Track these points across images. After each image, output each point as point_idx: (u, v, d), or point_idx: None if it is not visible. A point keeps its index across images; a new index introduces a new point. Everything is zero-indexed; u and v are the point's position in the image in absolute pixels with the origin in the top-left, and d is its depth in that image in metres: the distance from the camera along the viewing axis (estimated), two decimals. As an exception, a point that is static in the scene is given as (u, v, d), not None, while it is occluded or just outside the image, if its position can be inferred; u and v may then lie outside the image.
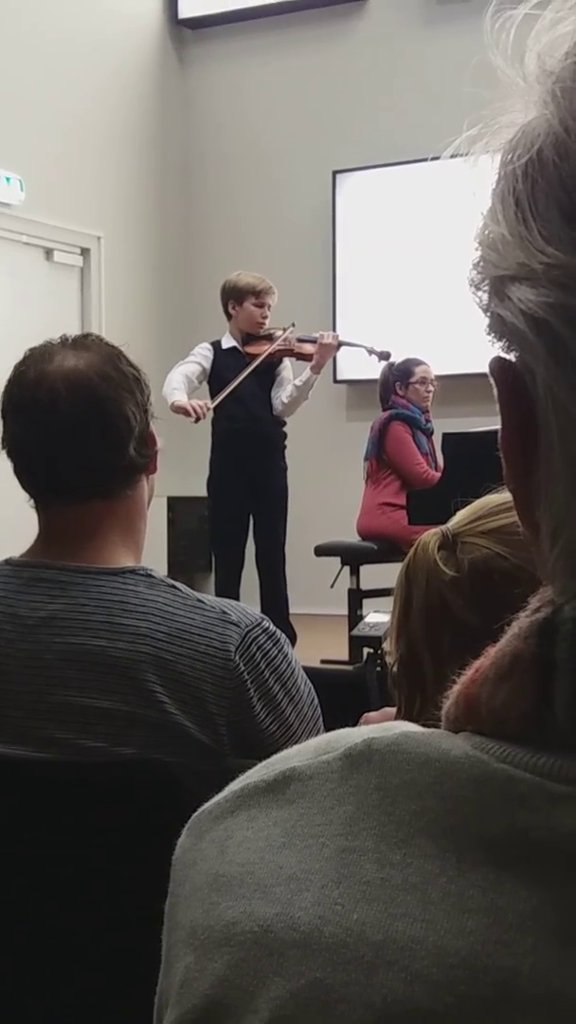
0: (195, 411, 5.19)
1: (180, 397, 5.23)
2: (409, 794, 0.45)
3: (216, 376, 5.39)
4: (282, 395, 5.37)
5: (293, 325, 5.47)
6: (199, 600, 1.45)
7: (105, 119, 7.55)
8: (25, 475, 1.50)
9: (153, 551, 6.90)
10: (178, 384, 5.27)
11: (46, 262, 7.30)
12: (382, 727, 0.49)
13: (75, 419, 1.44)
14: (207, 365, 5.41)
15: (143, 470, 1.53)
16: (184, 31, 8.34)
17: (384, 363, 5.80)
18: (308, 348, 5.42)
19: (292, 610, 5.54)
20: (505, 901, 0.41)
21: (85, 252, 7.52)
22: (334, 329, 6.69)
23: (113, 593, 1.42)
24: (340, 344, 5.56)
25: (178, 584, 1.47)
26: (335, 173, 7.68)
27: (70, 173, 7.20)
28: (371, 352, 5.79)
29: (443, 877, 0.42)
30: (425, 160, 6.58)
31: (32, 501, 1.51)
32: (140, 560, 1.53)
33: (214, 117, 8.23)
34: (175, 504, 7.44)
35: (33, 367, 1.46)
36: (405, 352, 5.88)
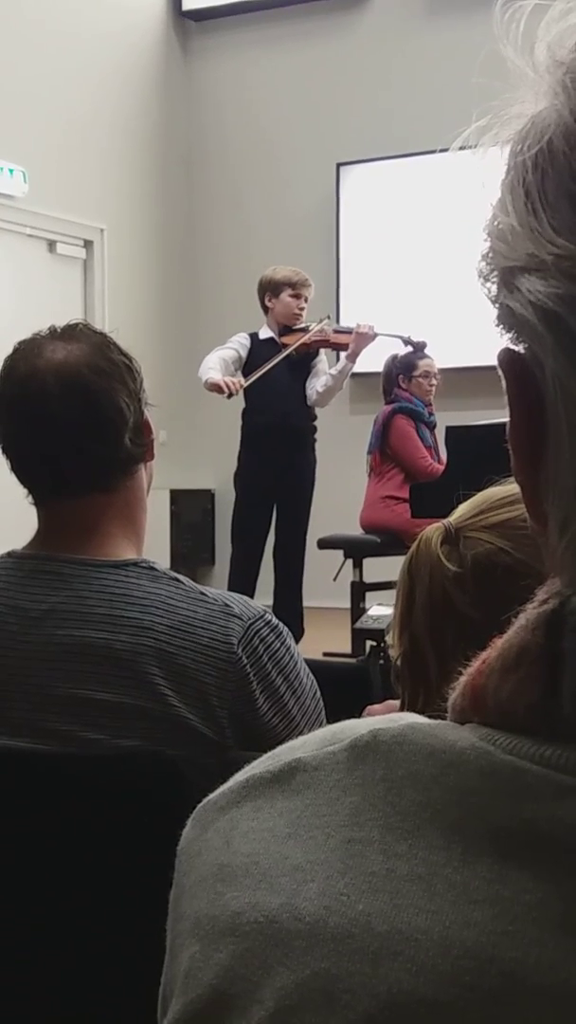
0: (228, 387, 5.22)
1: (214, 375, 5.27)
2: (415, 785, 0.45)
3: (251, 365, 5.41)
4: (317, 384, 5.41)
5: (328, 317, 5.49)
6: (202, 593, 1.45)
7: (109, 111, 7.54)
8: (21, 472, 1.49)
9: (156, 544, 6.91)
10: (214, 364, 5.32)
11: (49, 254, 7.29)
12: (388, 718, 0.49)
13: (68, 414, 1.43)
14: (243, 353, 5.44)
15: (140, 459, 1.52)
16: (188, 23, 8.33)
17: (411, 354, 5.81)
18: (344, 338, 5.46)
19: (295, 603, 5.54)
20: (511, 892, 0.41)
21: (88, 244, 7.51)
22: (337, 321, 6.68)
23: (115, 586, 1.42)
24: (376, 335, 5.57)
25: (181, 577, 1.47)
26: (339, 165, 7.67)
27: (73, 165, 7.20)
28: (407, 342, 5.80)
29: (448, 868, 0.42)
30: (429, 152, 6.58)
31: (30, 497, 1.51)
32: (141, 551, 1.52)
33: (218, 109, 8.22)
34: (178, 497, 7.45)
35: (23, 362, 1.45)
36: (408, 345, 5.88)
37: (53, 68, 7.06)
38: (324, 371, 5.45)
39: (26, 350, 1.46)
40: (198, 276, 8.08)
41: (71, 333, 1.48)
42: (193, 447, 6.83)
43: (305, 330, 5.42)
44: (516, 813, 0.42)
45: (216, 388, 5.23)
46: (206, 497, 7.80)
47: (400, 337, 5.79)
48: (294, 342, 5.37)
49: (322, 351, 5.51)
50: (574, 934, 0.40)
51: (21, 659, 1.40)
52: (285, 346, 5.37)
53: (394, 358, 5.82)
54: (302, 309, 5.39)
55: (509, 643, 0.46)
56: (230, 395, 5.26)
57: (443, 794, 0.44)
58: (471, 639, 0.55)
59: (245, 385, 5.28)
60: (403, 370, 5.77)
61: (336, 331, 5.51)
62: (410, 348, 5.78)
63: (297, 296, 5.36)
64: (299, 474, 5.42)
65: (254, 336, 5.47)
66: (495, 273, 0.46)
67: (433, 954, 0.41)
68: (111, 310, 7.50)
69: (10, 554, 1.49)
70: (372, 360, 6.02)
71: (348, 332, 5.48)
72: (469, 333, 5.66)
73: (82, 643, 1.38)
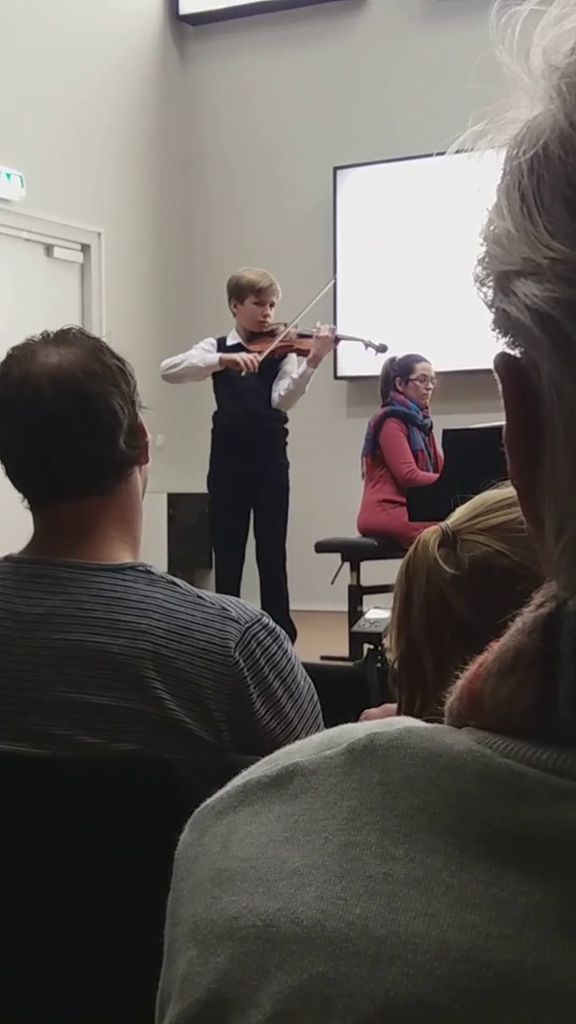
0: (247, 364, 5.20)
1: (220, 354, 5.25)
2: (412, 789, 0.45)
3: (219, 372, 5.39)
4: (280, 388, 5.38)
5: (334, 282, 5.47)
6: (199, 596, 1.45)
7: (106, 115, 7.55)
8: (16, 476, 1.49)
9: (153, 548, 6.91)
10: (202, 352, 5.29)
11: (46, 258, 7.30)
12: (385, 722, 0.49)
13: (62, 418, 1.43)
14: None
15: (135, 462, 1.52)
16: (185, 27, 8.34)
17: (382, 356, 5.81)
18: (307, 343, 5.44)
19: (292, 606, 5.54)
20: (508, 895, 0.41)
21: (85, 248, 7.51)
22: (335, 325, 6.68)
23: (112, 589, 1.42)
24: (338, 338, 5.55)
25: (177, 580, 1.47)
26: (336, 169, 7.68)
27: (71, 169, 7.20)
28: (368, 345, 5.79)
29: (446, 871, 0.42)
30: (426, 156, 6.58)
31: (26, 501, 1.51)
32: (138, 553, 1.52)
33: (215, 113, 8.22)
34: (175, 501, 7.45)
35: (16, 367, 1.45)
36: (406, 348, 5.89)
37: (50, 72, 7.07)
38: (289, 374, 5.43)
39: (20, 355, 1.47)
40: (195, 280, 8.08)
41: (65, 338, 1.48)
42: (190, 451, 6.82)
43: (272, 333, 5.40)
44: (513, 816, 0.42)
45: (233, 364, 5.20)
46: (203, 501, 7.76)
47: (361, 340, 5.78)
48: (261, 347, 5.35)
49: (290, 354, 5.49)
50: (571, 937, 0.40)
51: (18, 663, 1.40)
52: (251, 351, 5.35)
53: (392, 361, 5.83)
54: (266, 316, 5.36)
55: (506, 646, 0.46)
56: (247, 372, 5.23)
57: (440, 797, 0.44)
58: (468, 642, 0.55)
59: (260, 360, 5.25)
60: (400, 373, 5.78)
61: (300, 336, 5.48)
62: (371, 351, 5.78)
63: (261, 303, 5.32)
64: (272, 476, 5.41)
65: (221, 341, 5.46)
66: (491, 277, 0.46)
67: (430, 957, 0.41)
68: (108, 314, 7.50)
69: (7, 558, 1.50)
70: (368, 364, 6.03)
71: (310, 336, 5.47)
72: (467, 336, 5.66)
73: (79, 647, 1.38)
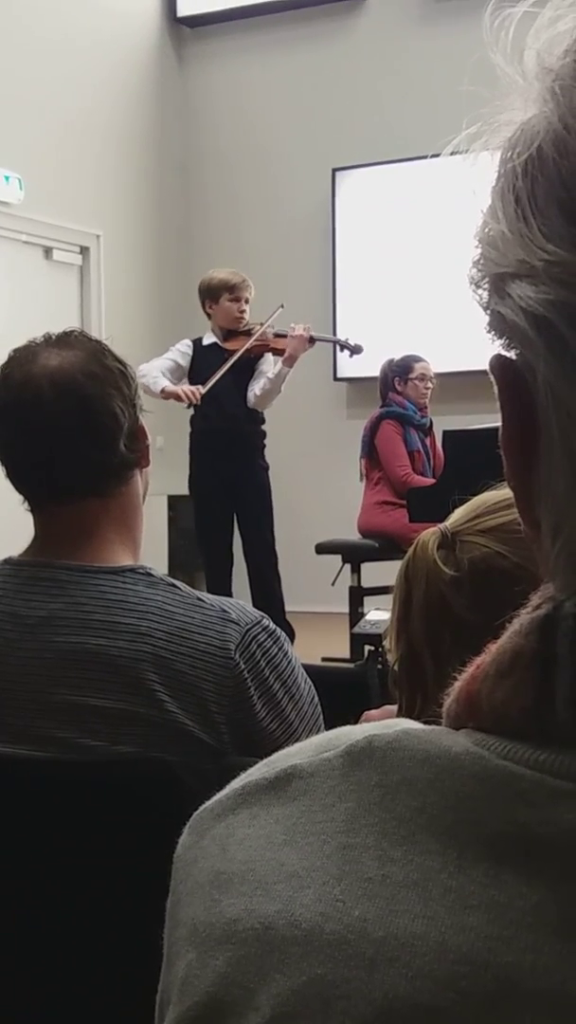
0: (187, 396, 5.21)
1: (166, 383, 5.25)
2: (410, 791, 0.45)
3: (196, 372, 5.39)
4: (256, 387, 5.38)
5: (282, 307, 5.47)
6: (199, 599, 1.45)
7: (104, 117, 7.55)
8: (17, 478, 1.49)
9: (154, 550, 6.91)
10: (157, 374, 5.27)
11: (45, 261, 7.30)
12: (383, 724, 0.49)
13: (63, 420, 1.43)
14: (184, 362, 5.42)
15: (135, 465, 1.52)
16: (183, 29, 8.34)
17: (357, 357, 5.81)
18: (282, 342, 5.43)
19: (293, 608, 5.54)
20: (506, 897, 0.41)
21: (84, 251, 7.51)
22: (334, 327, 6.69)
23: (113, 592, 1.42)
24: (312, 338, 5.54)
25: (177, 583, 1.47)
26: (334, 171, 7.68)
27: (69, 172, 7.20)
28: (343, 347, 5.79)
29: (444, 873, 0.42)
30: (424, 157, 6.58)
31: (26, 503, 1.51)
32: (138, 556, 1.52)
33: (213, 115, 8.23)
34: (176, 503, 7.44)
35: (17, 369, 1.45)
36: (404, 349, 5.89)
37: (48, 74, 7.07)
38: (264, 373, 5.42)
39: (21, 357, 1.47)
40: (194, 282, 8.04)
41: (66, 340, 1.48)
42: (191, 453, 6.83)
43: (249, 332, 5.40)
44: (511, 818, 0.42)
45: (174, 397, 5.21)
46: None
47: (336, 341, 5.78)
48: (238, 345, 5.34)
49: (267, 353, 5.49)
50: (569, 939, 0.40)
51: (19, 666, 1.40)
52: (227, 351, 5.35)
53: (390, 362, 5.83)
54: (243, 312, 5.35)
55: (503, 648, 0.46)
56: (190, 404, 5.25)
57: (438, 799, 0.44)
58: (468, 643, 0.55)
59: (204, 392, 5.24)
60: (399, 373, 5.78)
61: (276, 335, 5.48)
62: (346, 352, 5.78)
63: (236, 299, 5.32)
64: (251, 479, 5.39)
65: (197, 342, 5.45)
66: (486, 280, 0.46)
67: (429, 959, 0.41)
68: (107, 316, 7.50)
69: (7, 561, 1.50)
70: (367, 365, 6.03)
71: (286, 336, 5.46)
72: (465, 337, 5.66)
73: (80, 650, 1.38)
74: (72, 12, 7.24)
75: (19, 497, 1.50)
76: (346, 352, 5.79)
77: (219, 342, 5.39)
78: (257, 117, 8.01)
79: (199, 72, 8.31)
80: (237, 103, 8.12)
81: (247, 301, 5.35)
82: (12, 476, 1.50)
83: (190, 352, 5.42)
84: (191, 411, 5.40)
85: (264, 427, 5.50)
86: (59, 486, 1.47)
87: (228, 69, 8.17)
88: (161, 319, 7.88)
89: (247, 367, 5.38)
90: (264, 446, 5.48)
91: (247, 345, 5.33)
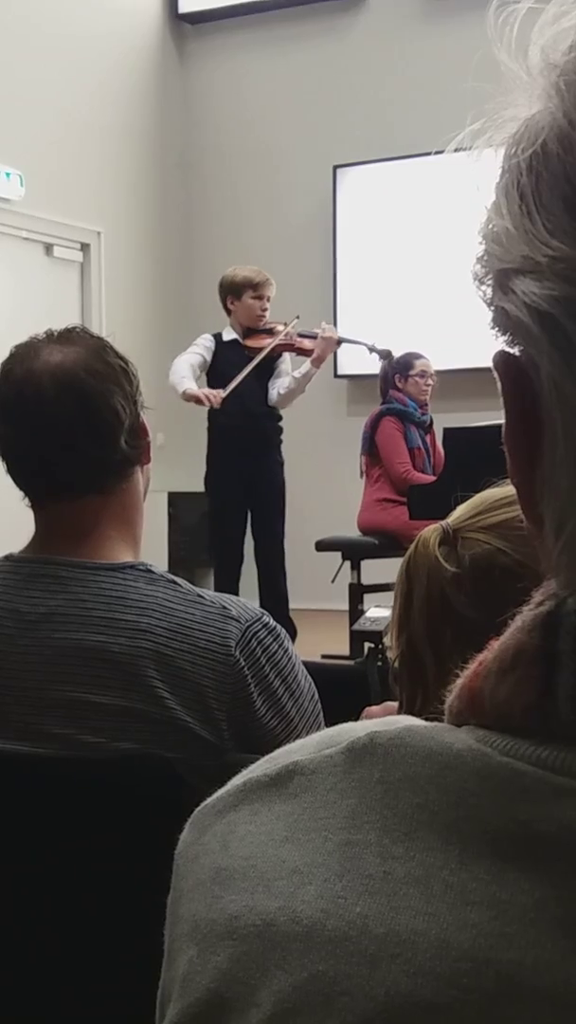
0: (209, 400, 5.21)
1: (190, 385, 5.27)
2: (412, 787, 0.45)
3: (215, 368, 5.40)
4: (279, 386, 5.39)
5: (297, 318, 5.49)
6: (199, 595, 1.45)
7: (105, 114, 7.54)
8: (18, 474, 1.49)
9: (154, 547, 6.90)
10: (186, 373, 5.31)
11: (46, 257, 7.29)
12: (385, 721, 0.49)
13: (64, 416, 1.43)
14: (208, 356, 5.43)
15: (136, 462, 1.52)
16: (184, 26, 8.33)
17: (384, 361, 5.81)
18: (308, 343, 5.44)
19: (293, 605, 5.54)
20: (508, 894, 0.41)
21: (85, 247, 7.51)
22: (335, 324, 6.68)
23: (113, 589, 1.42)
24: (340, 340, 5.56)
25: (178, 579, 1.47)
26: (335, 168, 7.67)
27: (70, 168, 7.20)
28: (372, 350, 5.79)
29: (446, 870, 0.42)
30: (426, 155, 6.58)
31: (27, 499, 1.51)
32: (139, 553, 1.52)
33: (214, 112, 8.22)
34: (176, 500, 7.44)
35: (19, 365, 1.45)
36: (406, 346, 5.89)
37: (49, 71, 7.06)
38: (287, 372, 5.44)
39: (23, 353, 1.47)
40: (195, 279, 8.08)
41: (68, 337, 1.48)
42: (191, 450, 6.82)
43: (269, 331, 5.41)
44: (513, 815, 0.42)
45: (195, 400, 5.23)
46: (204, 500, 7.78)
47: (365, 344, 5.78)
48: (257, 345, 5.36)
49: (286, 353, 5.50)
50: (571, 935, 0.40)
51: (19, 663, 1.40)
52: (249, 348, 5.37)
53: (390, 360, 5.83)
54: (265, 310, 5.37)
55: (505, 645, 0.46)
56: (211, 408, 5.26)
57: (440, 796, 0.44)
58: (469, 640, 0.55)
59: (224, 396, 5.26)
60: (400, 369, 5.78)
61: (301, 335, 5.50)
62: (375, 355, 5.77)
63: (259, 297, 5.34)
64: (268, 476, 5.42)
65: (218, 337, 5.46)
66: (490, 276, 0.46)
67: (430, 956, 0.41)
68: (108, 313, 7.49)
69: (8, 557, 1.50)
70: (369, 363, 6.03)
71: (313, 337, 5.47)
72: (467, 335, 5.66)
73: (80, 646, 1.38)
74: (73, 9, 7.24)
75: (20, 493, 1.50)
76: (375, 356, 5.78)
77: (239, 339, 5.40)
78: (258, 114, 8.01)
79: (200, 69, 8.30)
80: (238, 100, 8.11)
81: (269, 299, 5.36)
82: (13, 472, 1.50)
83: (212, 347, 5.43)
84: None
85: (281, 423, 5.51)
86: (60, 482, 1.47)
87: (229, 66, 8.17)
88: (162, 316, 7.87)
89: (267, 366, 5.40)
90: (281, 441, 5.51)
91: (272, 344, 5.35)
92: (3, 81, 6.74)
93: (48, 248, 7.28)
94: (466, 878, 0.42)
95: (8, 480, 1.51)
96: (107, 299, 7.57)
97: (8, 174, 6.77)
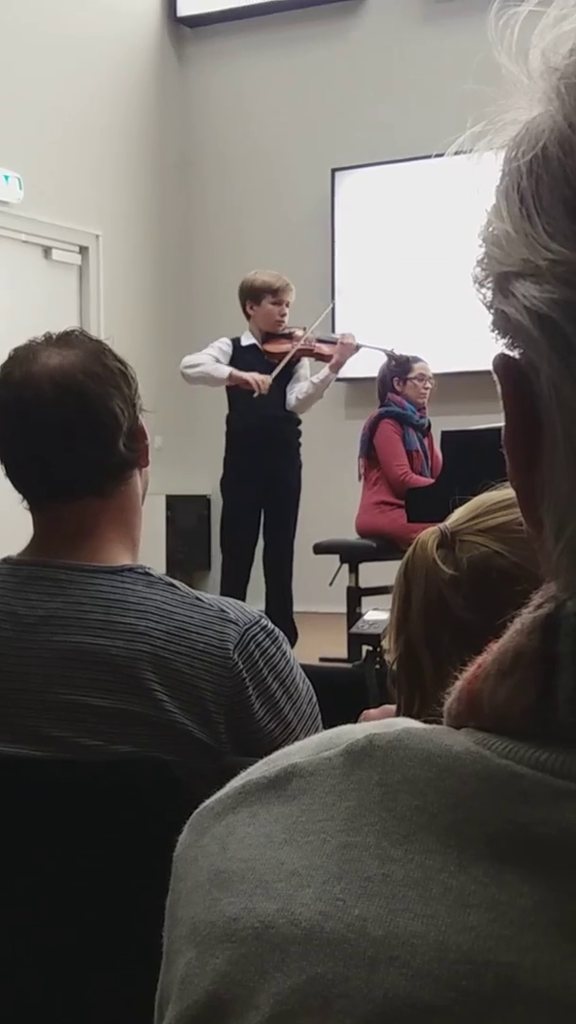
0: (257, 384, 5.21)
1: (232, 368, 5.26)
2: (411, 790, 0.45)
3: None
4: (297, 391, 5.40)
5: (332, 307, 5.50)
6: (197, 598, 1.45)
7: (104, 117, 7.55)
8: (16, 476, 1.49)
9: (152, 549, 6.90)
10: (217, 359, 5.30)
11: (44, 260, 7.29)
12: (384, 723, 0.49)
13: (63, 419, 1.44)
14: (224, 360, 5.42)
15: (135, 464, 1.52)
16: (183, 29, 8.34)
17: (383, 364, 5.81)
18: (327, 349, 5.46)
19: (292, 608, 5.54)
20: (507, 896, 0.41)
21: (83, 250, 7.51)
22: (332, 326, 6.69)
23: (111, 591, 1.42)
24: (359, 347, 5.56)
25: (176, 582, 1.47)
26: (334, 171, 7.68)
27: (69, 171, 7.20)
28: (391, 356, 5.77)
29: (444, 873, 0.42)
30: (424, 158, 6.58)
31: (25, 502, 1.51)
32: (137, 556, 1.53)
33: (213, 115, 8.23)
34: (174, 503, 7.44)
35: (18, 368, 1.46)
36: (404, 350, 5.88)
37: (48, 74, 7.07)
38: (305, 377, 5.45)
39: (22, 356, 1.47)
40: (193, 282, 8.09)
41: (67, 339, 1.48)
42: (189, 453, 6.83)
43: (288, 336, 5.41)
44: (512, 817, 0.42)
45: (243, 383, 5.21)
46: (202, 503, 7.80)
47: (384, 350, 5.77)
48: (276, 350, 5.37)
49: (304, 358, 5.51)
50: (570, 938, 0.40)
51: (17, 666, 1.40)
52: (268, 354, 5.37)
53: (389, 361, 5.83)
54: (284, 315, 5.38)
55: (504, 647, 0.46)
56: (259, 394, 5.24)
57: (439, 798, 0.44)
58: (467, 643, 0.55)
59: (271, 382, 5.25)
60: (398, 372, 5.78)
61: (320, 341, 5.51)
62: (394, 363, 5.76)
63: (279, 302, 5.35)
64: (285, 479, 5.43)
65: (236, 342, 5.46)
66: (490, 279, 0.46)
67: (429, 959, 0.41)
68: (107, 316, 7.49)
69: (6, 560, 1.50)
70: (366, 366, 6.03)
71: (332, 343, 5.48)
72: (465, 338, 5.66)
73: (78, 649, 1.38)
74: (72, 11, 7.24)
75: (18, 496, 1.50)
76: (393, 363, 5.76)
77: (258, 344, 5.40)
78: (257, 117, 8.01)
79: (199, 72, 8.31)
80: (237, 103, 8.12)
81: (288, 305, 5.37)
82: (11, 474, 1.50)
83: (230, 351, 5.43)
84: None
85: (300, 427, 5.52)
86: (58, 485, 1.47)
87: (228, 69, 8.17)
88: (160, 319, 7.88)
89: (285, 370, 5.41)
90: (300, 444, 5.51)
91: (297, 347, 5.36)
92: (2, 83, 6.74)
93: (47, 251, 7.28)
94: (465, 880, 0.42)
95: (6, 482, 1.51)
96: (105, 302, 7.57)
97: (7, 177, 6.78)
